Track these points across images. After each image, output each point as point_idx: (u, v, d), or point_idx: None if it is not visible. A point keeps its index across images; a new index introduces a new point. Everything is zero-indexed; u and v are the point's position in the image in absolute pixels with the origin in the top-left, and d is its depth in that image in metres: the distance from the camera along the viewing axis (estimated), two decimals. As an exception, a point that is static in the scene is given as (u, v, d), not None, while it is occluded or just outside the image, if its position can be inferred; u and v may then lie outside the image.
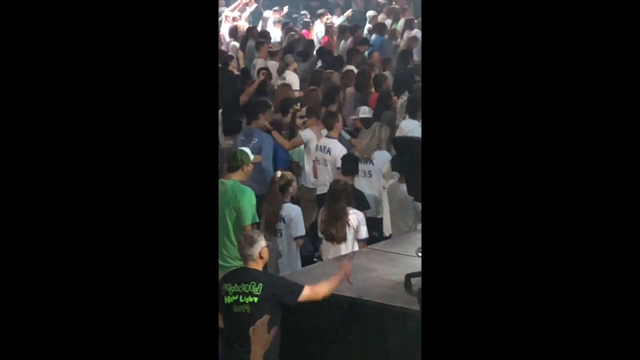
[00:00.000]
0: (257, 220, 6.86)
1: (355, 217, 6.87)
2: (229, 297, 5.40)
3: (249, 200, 6.82)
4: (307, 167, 8.74)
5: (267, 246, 5.59)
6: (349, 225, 6.85)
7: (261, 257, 5.48)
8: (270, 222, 7.10)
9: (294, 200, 7.53)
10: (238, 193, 6.83)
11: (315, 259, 7.36)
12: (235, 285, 5.40)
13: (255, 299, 5.32)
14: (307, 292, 5.31)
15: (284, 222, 7.06)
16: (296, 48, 13.46)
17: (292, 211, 7.11)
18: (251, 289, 5.35)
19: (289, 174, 7.46)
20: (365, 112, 9.28)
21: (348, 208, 6.89)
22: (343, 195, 6.92)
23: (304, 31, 16.35)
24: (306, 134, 8.82)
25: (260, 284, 5.34)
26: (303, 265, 7.08)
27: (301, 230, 7.08)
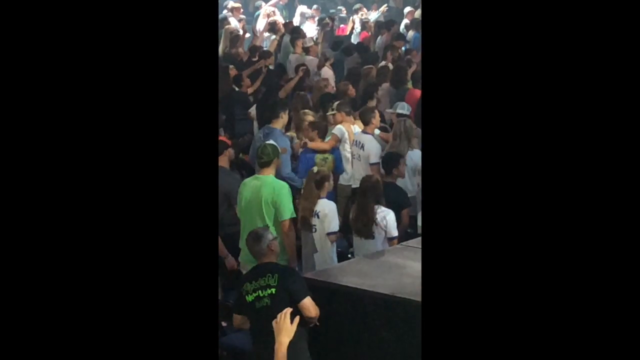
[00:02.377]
0: (295, 216, 6.83)
1: (384, 215, 6.84)
2: (249, 295, 5.43)
3: (286, 195, 6.80)
4: (343, 163, 8.71)
5: (275, 238, 5.62)
6: (376, 224, 6.83)
7: (271, 250, 5.52)
8: (305, 218, 7.09)
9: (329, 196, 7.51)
10: (276, 188, 6.81)
11: (349, 255, 7.36)
12: (253, 282, 5.43)
13: (273, 290, 5.34)
14: (308, 302, 5.28)
15: (318, 217, 7.05)
16: (335, 44, 13.52)
17: (326, 207, 7.08)
18: (268, 281, 5.38)
19: (325, 169, 7.44)
20: (403, 108, 9.24)
21: (376, 206, 6.87)
22: (372, 191, 6.91)
23: (340, 26, 16.32)
24: (339, 130, 8.80)
25: (276, 274, 5.37)
26: (338, 261, 7.07)
27: (334, 227, 7.05)
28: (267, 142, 7.41)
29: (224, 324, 6.75)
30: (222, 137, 8.39)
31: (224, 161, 7.87)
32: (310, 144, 8.48)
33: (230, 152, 7.96)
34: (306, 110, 9.00)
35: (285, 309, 4.07)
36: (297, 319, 4.05)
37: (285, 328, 4.00)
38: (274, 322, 4.04)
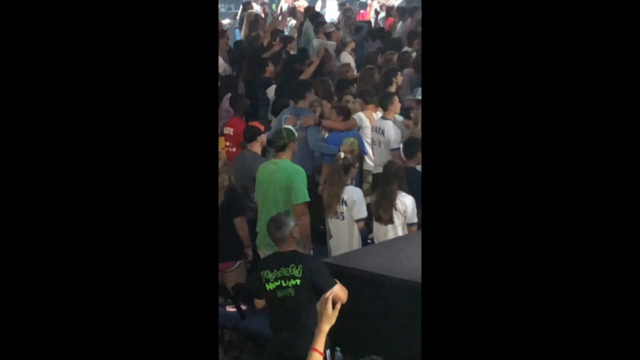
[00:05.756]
0: (308, 200, 6.82)
1: (404, 201, 6.84)
2: (270, 284, 5.40)
3: (300, 179, 6.79)
4: (365, 149, 8.73)
5: (295, 225, 5.57)
6: (395, 209, 6.83)
7: (292, 237, 5.49)
8: (330, 204, 7.07)
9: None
10: (290, 172, 6.81)
11: (369, 240, 7.36)
12: (275, 271, 5.40)
13: (298, 281, 5.31)
14: (338, 289, 5.15)
15: (346, 204, 7.04)
16: (356, 29, 13.51)
17: (354, 194, 7.08)
18: (292, 272, 5.34)
19: (352, 153, 7.45)
20: (421, 94, 9.22)
21: (398, 191, 6.87)
22: (395, 177, 6.90)
23: (361, 12, 16.29)
24: (358, 117, 8.80)
25: (300, 265, 5.33)
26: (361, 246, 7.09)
27: (363, 213, 7.05)
28: (284, 126, 7.41)
29: (243, 307, 6.80)
30: (255, 123, 8.41)
31: (256, 147, 7.90)
32: (325, 122, 8.48)
33: (263, 138, 7.99)
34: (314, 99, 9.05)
35: (328, 294, 3.97)
36: (338, 305, 3.96)
37: (327, 315, 3.88)
38: (317, 305, 3.95)
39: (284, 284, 5.37)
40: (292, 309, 5.36)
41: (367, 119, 8.78)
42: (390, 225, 6.87)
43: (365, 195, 7.55)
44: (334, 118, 8.59)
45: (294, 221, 5.62)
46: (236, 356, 6.93)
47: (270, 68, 10.88)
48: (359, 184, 7.88)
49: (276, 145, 7.03)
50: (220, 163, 6.98)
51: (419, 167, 7.62)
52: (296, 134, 7.16)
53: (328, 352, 5.30)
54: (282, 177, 6.81)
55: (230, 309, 6.86)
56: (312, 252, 6.87)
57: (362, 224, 7.05)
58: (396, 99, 8.85)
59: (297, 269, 5.33)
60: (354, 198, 7.02)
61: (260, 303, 5.66)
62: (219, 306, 6.77)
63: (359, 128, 8.74)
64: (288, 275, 5.35)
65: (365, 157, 8.70)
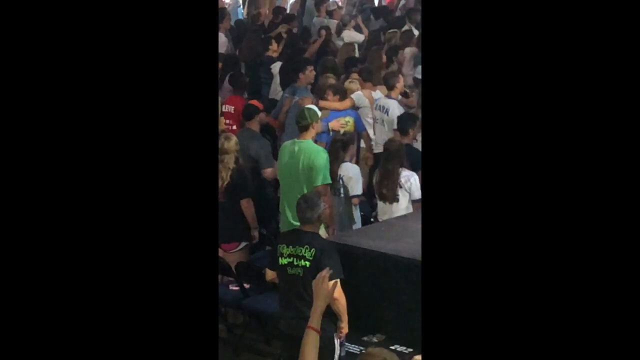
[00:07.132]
0: (329, 181, 6.77)
1: (408, 177, 6.84)
2: (283, 258, 5.38)
3: (321, 160, 6.71)
4: (364, 128, 8.70)
5: (327, 208, 5.53)
6: (400, 186, 6.83)
7: (319, 220, 5.46)
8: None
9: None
10: (312, 153, 6.76)
11: (372, 219, 7.37)
12: (290, 247, 5.37)
13: (308, 264, 5.28)
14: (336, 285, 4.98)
15: (342, 181, 7.04)
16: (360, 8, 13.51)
17: (350, 170, 7.09)
18: (304, 252, 5.31)
19: (349, 133, 7.45)
20: (420, 72, 9.20)
21: (401, 168, 6.86)
22: (396, 155, 6.89)
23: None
24: (357, 96, 8.78)
25: (314, 249, 5.28)
26: (362, 225, 7.09)
27: (358, 190, 7.05)
28: (307, 106, 7.36)
29: (246, 285, 6.81)
30: (254, 101, 8.43)
31: (254, 125, 7.91)
32: (322, 103, 8.46)
33: (261, 116, 8.00)
34: (328, 75, 9.03)
35: (324, 271, 3.90)
36: (338, 283, 3.91)
37: (324, 292, 3.81)
38: (313, 283, 3.89)
39: (295, 263, 5.34)
40: (298, 290, 5.36)
41: (366, 98, 8.75)
42: (395, 204, 6.87)
43: (368, 173, 7.56)
44: (330, 98, 8.56)
45: (325, 203, 5.54)
46: (239, 334, 6.95)
47: (274, 46, 10.85)
48: (357, 162, 7.87)
49: (299, 126, 6.94)
50: (232, 143, 6.98)
51: (415, 144, 7.61)
52: (319, 114, 7.10)
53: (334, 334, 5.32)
54: (304, 158, 6.76)
55: (233, 287, 6.88)
56: (335, 233, 6.82)
57: (357, 200, 7.05)
58: (400, 77, 8.82)
59: (309, 251, 5.29)
60: (350, 174, 7.02)
61: (270, 274, 5.61)
62: (222, 285, 6.80)
63: (358, 108, 8.70)
64: (300, 254, 5.32)
65: (365, 136, 8.66)
